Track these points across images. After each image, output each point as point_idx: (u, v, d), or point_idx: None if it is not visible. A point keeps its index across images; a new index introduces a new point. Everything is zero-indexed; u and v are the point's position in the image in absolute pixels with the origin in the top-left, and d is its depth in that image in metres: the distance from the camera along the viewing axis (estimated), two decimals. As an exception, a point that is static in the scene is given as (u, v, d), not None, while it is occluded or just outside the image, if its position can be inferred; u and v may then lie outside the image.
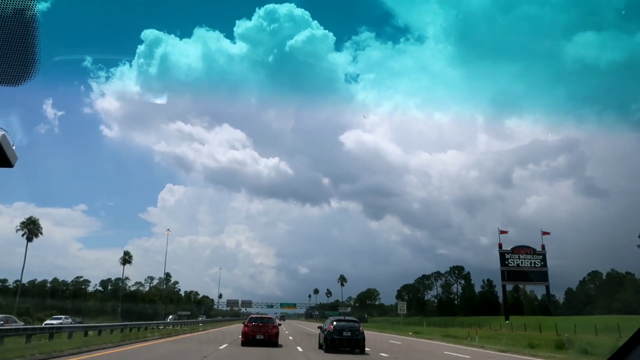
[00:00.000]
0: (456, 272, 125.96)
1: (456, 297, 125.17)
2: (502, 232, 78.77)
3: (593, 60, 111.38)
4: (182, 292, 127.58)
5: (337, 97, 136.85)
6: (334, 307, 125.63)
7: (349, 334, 20.77)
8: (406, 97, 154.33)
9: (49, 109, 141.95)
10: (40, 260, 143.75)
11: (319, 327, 25.06)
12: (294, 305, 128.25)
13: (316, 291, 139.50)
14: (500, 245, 75.95)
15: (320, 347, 22.31)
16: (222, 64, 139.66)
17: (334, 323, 21.36)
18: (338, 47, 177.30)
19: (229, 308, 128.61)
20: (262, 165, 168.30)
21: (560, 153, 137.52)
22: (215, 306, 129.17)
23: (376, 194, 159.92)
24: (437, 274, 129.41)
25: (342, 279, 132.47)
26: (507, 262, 74.77)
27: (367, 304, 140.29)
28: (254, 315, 25.99)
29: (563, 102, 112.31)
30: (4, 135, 1.42)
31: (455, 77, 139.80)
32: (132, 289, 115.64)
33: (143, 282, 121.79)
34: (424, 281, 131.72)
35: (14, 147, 1.45)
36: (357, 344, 20.70)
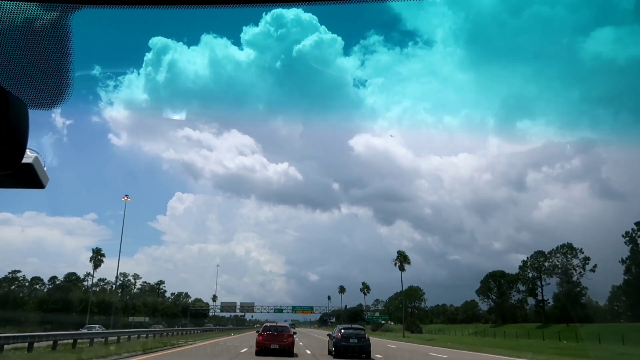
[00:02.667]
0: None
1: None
2: None
3: (610, 57, 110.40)
4: (168, 295, 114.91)
5: (345, 101, 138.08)
6: (360, 311, 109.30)
7: (356, 340, 22.99)
8: (415, 101, 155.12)
9: (57, 118, 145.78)
10: (52, 270, 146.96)
11: (328, 335, 27.13)
12: (310, 310, 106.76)
13: (342, 289, 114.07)
14: None
15: (330, 353, 24.40)
16: (230, 71, 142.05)
17: (342, 331, 23.78)
18: (346, 51, 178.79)
19: (229, 315, 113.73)
20: (271, 171, 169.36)
21: (575, 155, 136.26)
22: (211, 311, 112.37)
23: (387, 199, 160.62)
24: (566, 248, 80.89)
25: (403, 257, 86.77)
26: None
27: (406, 307, 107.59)
28: (269, 324, 26.19)
29: (577, 102, 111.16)
30: (36, 158, 1.42)
31: (465, 81, 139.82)
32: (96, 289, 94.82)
33: (114, 280, 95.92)
34: (539, 263, 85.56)
35: (45, 169, 1.50)
36: (363, 350, 22.74)
